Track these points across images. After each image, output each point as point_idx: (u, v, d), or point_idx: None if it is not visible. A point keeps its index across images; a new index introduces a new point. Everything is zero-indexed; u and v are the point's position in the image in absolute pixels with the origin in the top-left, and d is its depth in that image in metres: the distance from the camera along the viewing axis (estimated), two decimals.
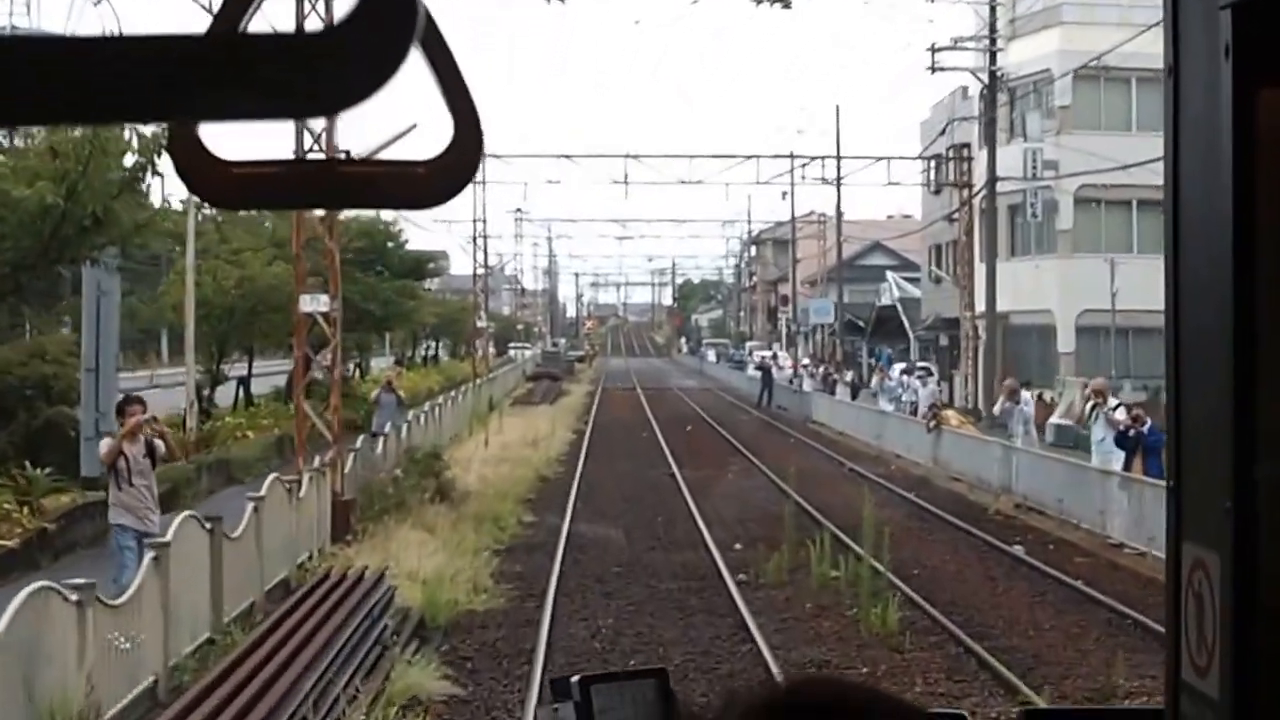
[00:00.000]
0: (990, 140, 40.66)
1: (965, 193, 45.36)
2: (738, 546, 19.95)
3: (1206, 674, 1.63)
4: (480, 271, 65.75)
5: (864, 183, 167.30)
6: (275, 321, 33.07)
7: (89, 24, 21.40)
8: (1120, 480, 20.70)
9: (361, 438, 25.80)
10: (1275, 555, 1.56)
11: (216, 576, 13.92)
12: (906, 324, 59.32)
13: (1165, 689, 1.76)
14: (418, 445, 26.65)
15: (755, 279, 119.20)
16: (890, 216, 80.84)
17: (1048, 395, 37.45)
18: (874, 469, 31.07)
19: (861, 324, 65.34)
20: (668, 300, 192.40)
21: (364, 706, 11.11)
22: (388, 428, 27.53)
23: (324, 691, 10.60)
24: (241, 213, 34.28)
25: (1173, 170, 1.73)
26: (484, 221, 65.22)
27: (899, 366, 45.50)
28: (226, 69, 0.94)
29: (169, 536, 12.64)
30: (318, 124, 20.23)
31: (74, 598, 10.16)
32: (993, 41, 41.33)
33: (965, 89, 47.27)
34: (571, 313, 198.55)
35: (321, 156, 17.05)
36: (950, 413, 34.44)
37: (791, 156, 55.21)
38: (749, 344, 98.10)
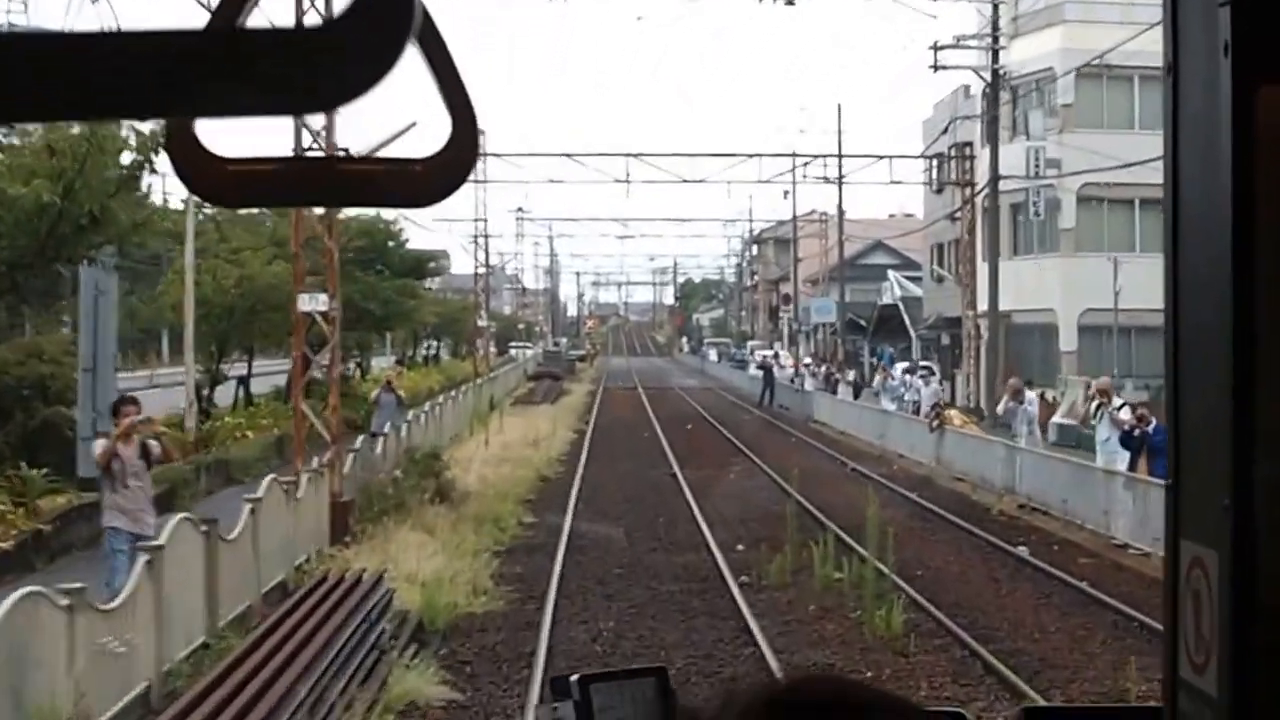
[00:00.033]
0: (993, 139, 40.56)
1: (967, 191, 45.27)
2: (740, 547, 19.82)
3: (1204, 671, 1.64)
4: (481, 271, 65.72)
5: (866, 181, 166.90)
6: (275, 321, 32.97)
7: (86, 20, 21.25)
8: (1125, 480, 20.68)
9: (361, 438, 25.71)
10: (1274, 553, 1.57)
11: (212, 580, 13.81)
12: (908, 323, 59.27)
13: (1163, 686, 1.77)
14: (418, 445, 26.53)
15: (757, 278, 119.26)
16: (892, 215, 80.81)
17: (1050, 395, 37.38)
18: (877, 469, 30.94)
19: (863, 323, 65.32)
20: (669, 299, 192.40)
21: (360, 713, 10.97)
22: (387, 428, 27.44)
23: (320, 697, 10.47)
24: (241, 211, 34.19)
25: (1172, 168, 1.74)
26: (485, 221, 65.29)
27: (901, 366, 45.45)
28: (225, 64, 0.96)
29: (163, 539, 12.53)
30: (317, 121, 20.17)
31: (63, 603, 10.04)
32: (995, 40, 41.23)
33: (968, 87, 47.22)
34: (573, 312, 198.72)
35: (320, 154, 16.93)
36: (953, 412, 34.31)
37: (793, 155, 55.45)
38: (750, 343, 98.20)
